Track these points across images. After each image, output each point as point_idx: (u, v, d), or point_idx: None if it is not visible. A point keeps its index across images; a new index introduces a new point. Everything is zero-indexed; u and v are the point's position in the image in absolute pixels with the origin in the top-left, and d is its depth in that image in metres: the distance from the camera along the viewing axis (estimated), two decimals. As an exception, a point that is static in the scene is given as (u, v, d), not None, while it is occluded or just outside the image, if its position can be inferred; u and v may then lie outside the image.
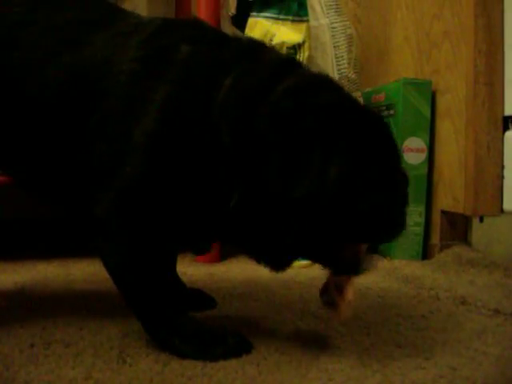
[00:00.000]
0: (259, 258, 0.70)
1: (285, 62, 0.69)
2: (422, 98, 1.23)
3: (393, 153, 0.67)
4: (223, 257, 1.23)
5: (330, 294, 0.68)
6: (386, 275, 1.06)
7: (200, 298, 0.84)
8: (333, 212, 0.60)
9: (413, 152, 1.23)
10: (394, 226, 0.66)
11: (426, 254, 1.25)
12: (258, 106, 0.63)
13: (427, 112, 1.24)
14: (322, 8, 1.19)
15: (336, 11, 1.22)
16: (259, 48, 0.70)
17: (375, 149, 0.64)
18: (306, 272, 1.08)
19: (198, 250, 0.83)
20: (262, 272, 1.10)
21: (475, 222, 1.22)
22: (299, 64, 0.71)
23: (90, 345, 0.66)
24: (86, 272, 1.06)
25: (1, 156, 0.73)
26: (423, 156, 1.24)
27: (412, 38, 1.36)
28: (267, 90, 0.64)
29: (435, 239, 1.23)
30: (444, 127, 1.22)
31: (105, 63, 0.66)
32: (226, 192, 0.64)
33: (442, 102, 1.23)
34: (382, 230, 0.65)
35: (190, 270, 1.09)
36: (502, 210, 1.11)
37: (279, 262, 0.69)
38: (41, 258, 1.17)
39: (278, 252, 0.67)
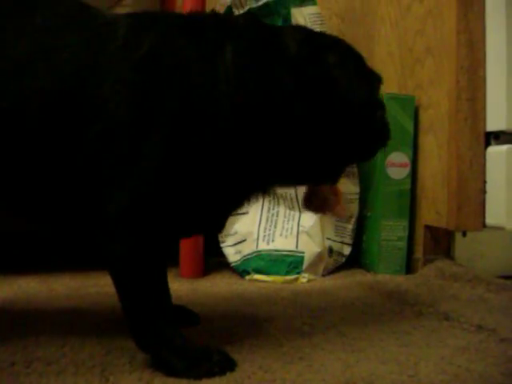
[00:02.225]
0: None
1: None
2: (405, 113, 1.24)
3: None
4: (207, 272, 1.22)
5: (318, 196, 0.78)
6: (369, 290, 1.06)
7: (183, 314, 0.83)
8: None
9: (396, 167, 1.23)
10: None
11: (409, 268, 1.25)
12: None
13: (410, 127, 1.25)
14: (306, 23, 1.19)
15: (321, 27, 1.23)
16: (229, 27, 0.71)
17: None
18: (289, 287, 1.08)
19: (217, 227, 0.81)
20: (245, 287, 1.11)
21: (458, 236, 1.23)
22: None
23: (72, 363, 0.65)
24: (69, 287, 1.05)
25: None
26: (406, 171, 1.24)
27: (395, 53, 1.37)
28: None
29: (419, 253, 1.24)
30: (427, 142, 1.23)
31: (88, 70, 0.64)
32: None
33: (424, 117, 1.24)
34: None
35: (174, 285, 1.08)
36: (484, 225, 1.12)
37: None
38: (22, 273, 1.16)
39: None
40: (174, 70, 0.66)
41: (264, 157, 0.68)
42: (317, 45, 0.70)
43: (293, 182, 0.83)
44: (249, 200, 0.75)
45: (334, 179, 0.79)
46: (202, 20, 0.71)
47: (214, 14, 0.74)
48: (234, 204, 0.74)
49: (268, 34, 0.70)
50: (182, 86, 0.65)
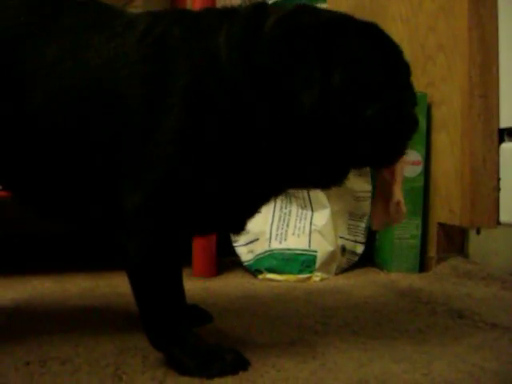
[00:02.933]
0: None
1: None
2: (417, 110, 1.23)
3: (393, 53, 0.73)
4: (220, 271, 1.23)
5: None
6: (383, 289, 1.06)
7: (196, 313, 0.84)
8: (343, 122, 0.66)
9: (409, 165, 1.23)
10: (407, 125, 0.73)
11: (423, 266, 1.25)
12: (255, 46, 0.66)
13: (423, 124, 1.24)
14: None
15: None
16: (231, 12, 0.73)
17: (372, 51, 0.68)
18: (302, 286, 1.08)
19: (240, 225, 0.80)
20: (258, 286, 1.11)
21: (472, 234, 1.22)
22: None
23: (86, 362, 0.65)
24: (82, 287, 1.06)
25: (7, 173, 0.73)
26: (419, 168, 1.24)
27: (407, 50, 1.35)
28: (256, 32, 0.67)
29: (432, 251, 1.23)
30: (440, 140, 1.22)
31: (109, 67, 0.67)
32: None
33: (437, 115, 1.24)
34: (396, 133, 0.70)
35: (187, 284, 1.07)
36: (498, 222, 1.11)
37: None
38: (36, 274, 1.17)
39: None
40: (176, 51, 0.67)
41: (279, 153, 0.68)
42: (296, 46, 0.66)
43: (306, 183, 0.80)
44: (266, 200, 0.75)
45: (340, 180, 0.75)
46: (205, 13, 0.74)
47: (221, 8, 0.75)
48: (252, 202, 0.73)
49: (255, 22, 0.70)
50: (186, 65, 0.66)
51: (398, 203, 0.76)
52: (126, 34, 0.68)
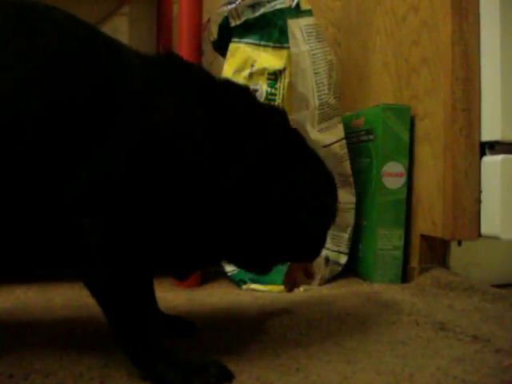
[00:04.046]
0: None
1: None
2: (401, 123, 1.25)
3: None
4: (203, 281, 1.23)
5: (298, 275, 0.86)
6: (365, 300, 1.06)
7: (179, 324, 0.84)
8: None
9: (392, 176, 1.24)
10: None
11: (405, 277, 1.26)
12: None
13: (406, 137, 1.25)
14: (302, 35, 1.20)
15: (316, 38, 1.23)
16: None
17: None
18: (286, 297, 1.08)
19: (180, 275, 0.83)
20: (242, 297, 1.11)
21: (453, 245, 1.23)
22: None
23: (70, 375, 0.65)
24: (67, 297, 1.05)
25: None
26: (402, 180, 1.25)
27: (391, 63, 1.38)
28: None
29: (414, 262, 1.24)
30: (422, 152, 1.24)
31: None
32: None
33: (420, 127, 1.25)
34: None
35: (170, 295, 1.09)
36: (479, 235, 1.12)
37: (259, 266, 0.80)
38: (20, 283, 1.16)
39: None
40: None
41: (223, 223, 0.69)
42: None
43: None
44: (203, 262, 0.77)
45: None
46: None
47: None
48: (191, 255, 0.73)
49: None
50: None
51: (307, 267, 0.86)
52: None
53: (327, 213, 0.80)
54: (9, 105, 0.60)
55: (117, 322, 0.65)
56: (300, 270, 0.87)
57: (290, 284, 0.87)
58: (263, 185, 0.70)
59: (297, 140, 0.78)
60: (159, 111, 0.66)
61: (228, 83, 0.77)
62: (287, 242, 0.75)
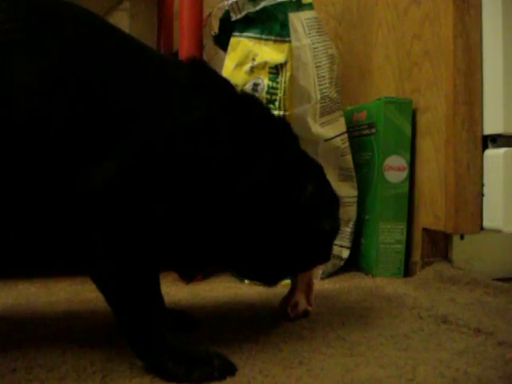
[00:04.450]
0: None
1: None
2: (402, 116, 1.25)
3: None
4: (206, 275, 1.23)
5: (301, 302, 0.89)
6: (368, 294, 1.06)
7: (182, 318, 0.84)
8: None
9: (394, 170, 1.24)
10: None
11: (407, 271, 1.26)
12: None
13: (408, 130, 1.25)
14: (303, 28, 1.20)
15: (318, 31, 1.23)
16: None
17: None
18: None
19: (189, 275, 0.85)
20: (245, 291, 1.11)
21: (456, 238, 1.23)
22: None
23: (73, 369, 0.65)
24: (69, 292, 1.06)
25: None
26: (404, 174, 1.25)
27: (393, 56, 1.38)
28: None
29: (416, 256, 1.24)
30: (424, 146, 1.23)
31: None
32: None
33: (422, 121, 1.25)
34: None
35: (173, 289, 1.09)
36: (481, 228, 1.12)
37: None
38: (22, 278, 1.16)
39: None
40: None
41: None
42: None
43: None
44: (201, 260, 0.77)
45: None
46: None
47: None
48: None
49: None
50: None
51: (296, 304, 0.88)
52: None
53: (336, 219, 0.85)
54: (43, 99, 0.62)
55: (123, 313, 0.65)
56: (302, 293, 0.89)
57: (292, 308, 0.88)
58: (276, 191, 0.73)
59: (304, 152, 0.82)
60: (191, 113, 0.69)
61: (247, 94, 0.81)
62: (302, 249, 0.78)
